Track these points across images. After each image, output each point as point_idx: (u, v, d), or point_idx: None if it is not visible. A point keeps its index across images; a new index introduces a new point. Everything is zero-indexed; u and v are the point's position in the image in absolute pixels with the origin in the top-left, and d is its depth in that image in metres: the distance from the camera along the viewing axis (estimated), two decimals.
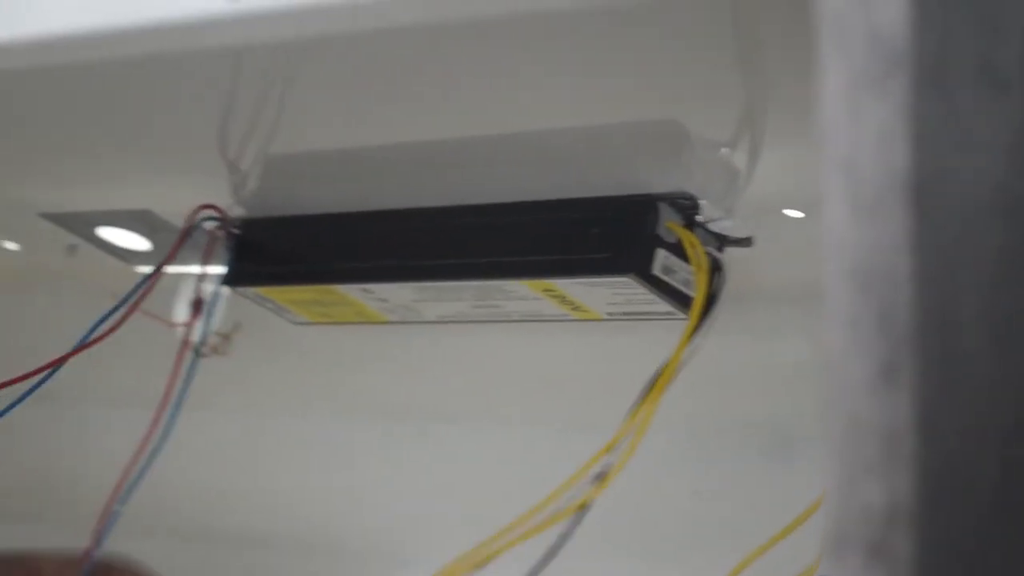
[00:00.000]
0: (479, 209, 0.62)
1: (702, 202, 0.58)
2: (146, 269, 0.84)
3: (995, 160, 0.28)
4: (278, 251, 0.70)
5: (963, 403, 0.28)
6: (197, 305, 0.81)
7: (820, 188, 0.28)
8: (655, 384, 0.56)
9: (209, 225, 0.72)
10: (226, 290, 0.77)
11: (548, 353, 0.65)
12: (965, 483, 0.28)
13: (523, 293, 0.62)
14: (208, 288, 0.79)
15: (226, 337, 0.84)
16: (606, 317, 0.62)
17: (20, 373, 1.15)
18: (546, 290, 0.61)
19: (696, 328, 0.57)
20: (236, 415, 0.96)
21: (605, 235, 0.59)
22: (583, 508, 0.57)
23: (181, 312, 0.83)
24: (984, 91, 0.28)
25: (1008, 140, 0.27)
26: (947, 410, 0.27)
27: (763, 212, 0.58)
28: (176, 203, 0.74)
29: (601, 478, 0.57)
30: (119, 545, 0.70)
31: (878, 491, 0.27)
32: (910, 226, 0.28)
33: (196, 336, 0.80)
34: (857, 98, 0.28)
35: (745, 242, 0.60)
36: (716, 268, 0.59)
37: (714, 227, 0.59)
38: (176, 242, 0.71)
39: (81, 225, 0.78)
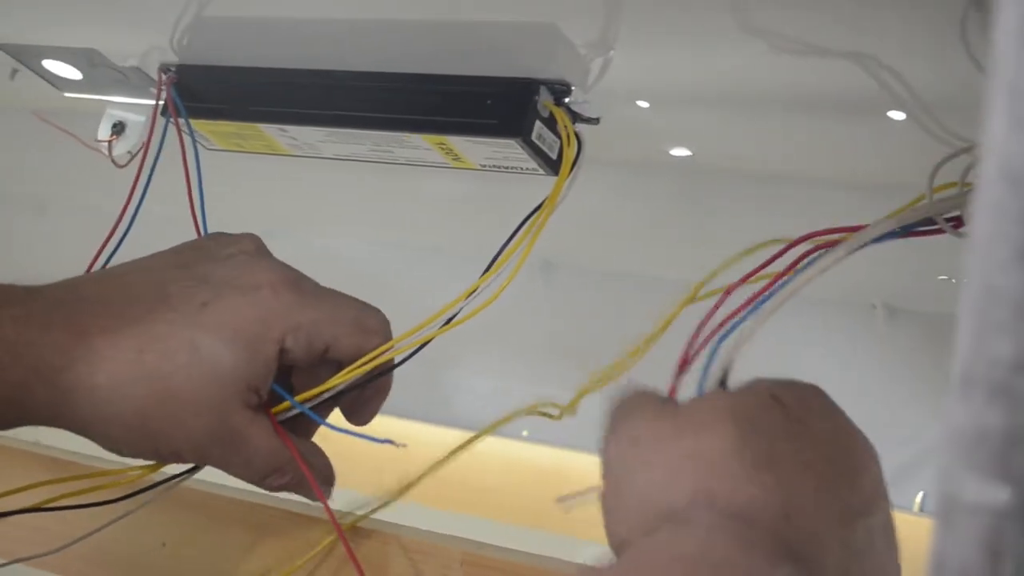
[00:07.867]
0: (399, 76, 0.53)
1: (573, 88, 0.54)
2: (73, 95, 0.75)
3: None
4: (209, 92, 0.62)
5: None
6: (119, 127, 0.73)
7: (986, 105, 0.26)
8: (533, 224, 0.52)
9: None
10: (140, 117, 0.71)
11: (425, 190, 0.60)
12: None
13: (417, 143, 0.56)
14: (130, 115, 0.72)
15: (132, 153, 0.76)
16: (479, 168, 0.58)
17: None
18: (439, 143, 0.56)
19: (563, 182, 0.53)
20: None
21: (497, 106, 0.53)
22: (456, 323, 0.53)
23: (104, 131, 0.75)
24: None
25: None
26: None
27: (620, 100, 0.54)
28: (119, 46, 0.65)
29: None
30: None
31: (1007, 345, 0.26)
32: None
33: (115, 151, 0.73)
34: None
35: (594, 121, 0.55)
36: (578, 140, 0.55)
37: (575, 108, 0.55)
38: (157, 85, 0.61)
39: (29, 56, 0.68)
